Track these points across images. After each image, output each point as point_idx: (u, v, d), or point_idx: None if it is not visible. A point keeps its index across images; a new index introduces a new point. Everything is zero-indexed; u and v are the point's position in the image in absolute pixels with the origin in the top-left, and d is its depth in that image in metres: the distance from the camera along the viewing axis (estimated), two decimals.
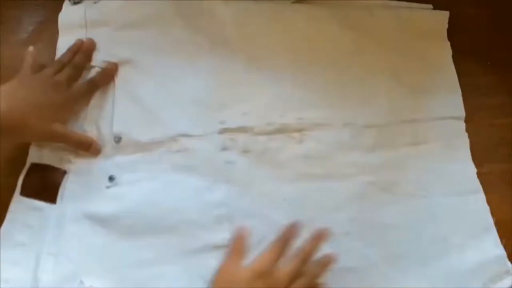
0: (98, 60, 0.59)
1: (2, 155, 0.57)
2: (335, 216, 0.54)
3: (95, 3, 0.63)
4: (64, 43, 0.60)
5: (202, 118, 0.57)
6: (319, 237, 0.50)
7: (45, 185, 0.55)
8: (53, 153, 0.56)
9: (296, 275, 0.48)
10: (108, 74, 0.59)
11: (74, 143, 0.55)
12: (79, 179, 0.55)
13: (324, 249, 0.51)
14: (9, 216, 0.54)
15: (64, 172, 0.56)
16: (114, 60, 0.59)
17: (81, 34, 0.61)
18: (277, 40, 0.61)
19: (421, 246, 0.54)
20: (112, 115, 0.57)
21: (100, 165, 0.56)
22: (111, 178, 0.55)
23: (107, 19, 0.62)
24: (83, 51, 0.59)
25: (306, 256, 0.49)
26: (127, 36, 0.61)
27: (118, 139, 0.56)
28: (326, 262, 0.49)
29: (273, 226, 0.52)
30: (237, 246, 0.50)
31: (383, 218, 0.54)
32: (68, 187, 0.55)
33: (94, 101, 0.58)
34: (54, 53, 0.61)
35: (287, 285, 0.47)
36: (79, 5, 0.62)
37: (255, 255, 0.48)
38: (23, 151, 0.56)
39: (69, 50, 0.59)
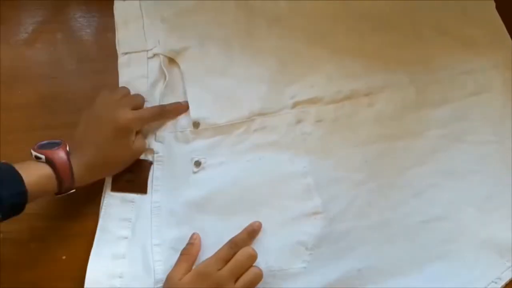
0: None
1: None
2: (416, 171, 0.56)
3: None
4: (123, 37, 0.62)
5: (273, 95, 0.59)
6: (253, 231, 0.53)
7: (134, 178, 0.56)
8: None
9: (239, 272, 0.50)
10: (179, 108, 0.58)
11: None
12: (166, 168, 0.57)
13: (414, 203, 0.54)
14: (103, 212, 0.55)
15: (150, 163, 0.57)
16: (175, 48, 0.61)
17: (138, 27, 0.62)
18: (329, 12, 0.63)
19: (504, 185, 0.56)
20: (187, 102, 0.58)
21: (182, 152, 0.57)
22: (197, 163, 0.56)
23: (162, 10, 0.63)
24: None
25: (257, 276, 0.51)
26: (184, 24, 0.62)
27: (196, 125, 0.58)
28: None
29: (358, 187, 0.55)
30: (186, 252, 0.52)
31: (462, 167, 0.57)
32: (156, 177, 0.56)
33: (165, 91, 0.60)
34: (54, 53, 0.63)
35: (231, 283, 0.49)
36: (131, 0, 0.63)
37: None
38: None
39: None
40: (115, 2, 0.63)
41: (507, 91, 0.60)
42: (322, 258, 0.52)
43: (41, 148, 0.50)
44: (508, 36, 0.63)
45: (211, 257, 0.51)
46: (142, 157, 0.57)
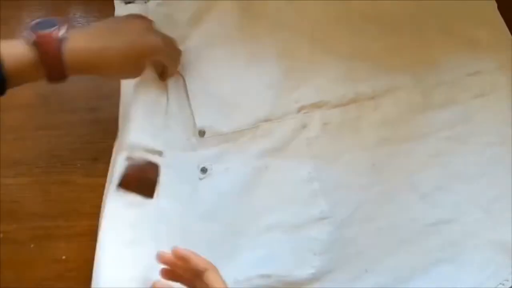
0: None
1: None
2: (423, 174, 0.57)
3: (145, 2, 0.63)
4: None
5: (278, 101, 0.59)
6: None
7: (142, 180, 0.54)
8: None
9: None
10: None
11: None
12: (172, 173, 0.56)
13: (421, 206, 0.54)
14: (108, 216, 0.53)
15: (158, 167, 0.55)
16: None
17: None
18: (333, 16, 0.63)
19: (510, 187, 0.56)
20: (191, 111, 0.58)
21: (188, 160, 0.57)
22: (203, 170, 0.56)
23: (163, 18, 0.61)
24: None
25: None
26: (186, 32, 0.61)
27: (202, 133, 0.57)
28: None
29: (364, 192, 0.55)
30: None
31: (468, 169, 0.57)
32: (162, 182, 0.55)
33: (170, 96, 0.59)
34: None
35: None
36: (132, 5, 0.63)
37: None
38: None
39: None
40: (116, 6, 0.63)
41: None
42: (330, 263, 0.53)
43: (35, 28, 0.45)
44: (511, 37, 0.63)
45: None
46: (151, 158, 0.55)
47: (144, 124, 0.56)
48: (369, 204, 0.55)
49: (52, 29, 0.45)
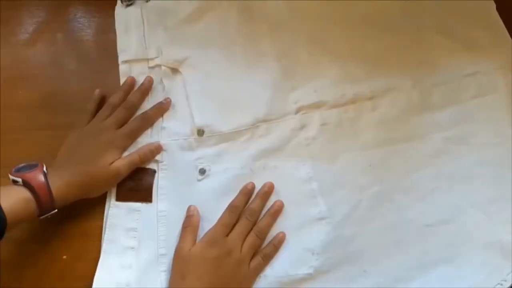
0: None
1: None
2: (421, 175, 0.57)
3: (147, 1, 0.63)
4: (123, 46, 0.61)
5: (277, 101, 0.59)
6: (275, 212, 0.54)
7: (138, 187, 0.56)
8: None
9: (247, 236, 0.52)
10: (162, 108, 0.58)
11: (142, 161, 0.56)
12: (170, 176, 0.56)
13: (419, 207, 0.55)
14: (109, 223, 0.54)
15: (154, 172, 0.57)
16: (177, 58, 0.60)
17: (139, 35, 0.62)
18: (331, 16, 0.63)
19: (508, 187, 0.56)
20: (190, 111, 0.58)
21: (187, 160, 0.57)
22: (201, 171, 0.56)
23: (163, 18, 0.62)
24: (141, 92, 0.58)
25: (261, 231, 0.53)
26: (186, 32, 0.62)
27: (201, 132, 0.58)
28: (274, 212, 0.54)
29: (363, 192, 0.55)
30: (188, 225, 0.53)
31: (467, 169, 0.57)
32: (161, 185, 0.56)
33: (169, 96, 0.59)
34: (55, 53, 0.63)
35: (240, 247, 0.51)
36: (133, 7, 0.63)
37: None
38: None
39: (121, 89, 0.58)
40: (116, 8, 0.63)
41: (510, 93, 0.60)
42: (328, 264, 0.53)
43: (17, 171, 0.49)
44: (509, 37, 0.63)
45: (215, 225, 0.52)
46: (145, 165, 0.57)
47: None
48: (368, 205, 0.55)
49: (35, 169, 0.49)
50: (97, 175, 0.53)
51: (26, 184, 0.48)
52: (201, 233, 0.53)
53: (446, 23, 0.63)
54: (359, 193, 0.56)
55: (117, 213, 0.55)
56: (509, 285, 0.52)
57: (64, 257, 0.54)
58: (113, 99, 0.58)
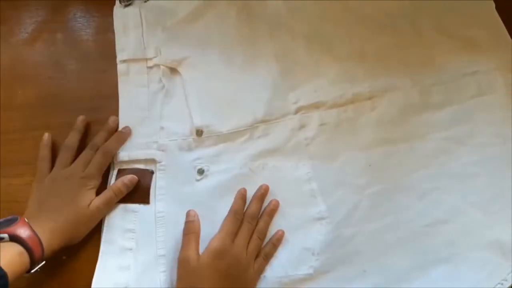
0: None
1: None
2: (420, 174, 0.56)
3: (145, 1, 0.63)
4: (121, 46, 0.61)
5: (276, 101, 0.59)
6: (271, 211, 0.54)
7: (135, 188, 0.55)
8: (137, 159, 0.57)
9: (250, 239, 0.52)
10: (121, 138, 0.57)
11: (118, 196, 0.55)
12: (168, 176, 0.56)
13: (418, 206, 0.55)
14: (106, 223, 0.54)
15: (151, 172, 0.56)
16: (176, 58, 0.60)
17: (137, 35, 0.62)
18: (330, 16, 0.63)
19: (507, 187, 0.56)
20: (189, 111, 0.58)
21: (185, 160, 0.57)
22: (200, 171, 0.56)
23: (162, 18, 0.62)
24: (107, 132, 0.57)
25: (261, 232, 0.53)
26: (185, 32, 0.62)
27: (200, 133, 0.57)
28: (271, 211, 0.54)
29: (362, 192, 0.55)
30: (190, 231, 0.52)
31: (466, 169, 0.57)
32: (160, 186, 0.56)
33: (167, 100, 0.59)
34: (54, 53, 0.63)
35: (245, 252, 0.51)
36: (131, 7, 0.63)
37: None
38: None
39: (75, 131, 0.57)
40: (114, 8, 0.63)
41: (510, 92, 0.60)
42: (328, 263, 0.53)
43: (1, 227, 0.48)
44: (509, 37, 0.63)
45: (220, 232, 0.52)
46: (143, 166, 0.57)
47: (131, 137, 0.58)
48: (367, 204, 0.55)
49: (16, 222, 0.49)
50: (79, 219, 0.52)
51: (16, 239, 0.47)
52: (201, 233, 0.53)
53: (445, 23, 0.63)
54: (359, 193, 0.55)
55: (114, 214, 0.55)
56: (509, 284, 0.52)
57: (64, 257, 0.54)
58: (69, 142, 0.56)
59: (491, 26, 0.64)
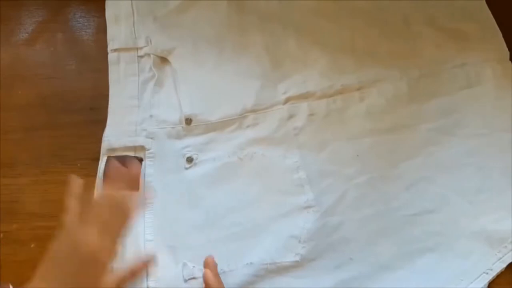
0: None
1: None
2: (408, 164, 0.57)
3: None
4: (112, 35, 0.62)
5: (266, 91, 0.60)
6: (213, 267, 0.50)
7: (124, 175, 0.55)
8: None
9: None
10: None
11: (133, 276, 0.46)
12: (157, 163, 0.57)
13: (406, 196, 0.55)
14: None
15: (140, 160, 0.57)
16: (167, 47, 0.61)
17: (128, 24, 0.62)
18: (320, 8, 0.64)
19: (494, 177, 0.56)
20: (178, 100, 0.59)
21: (174, 148, 0.57)
22: (189, 159, 0.57)
23: (153, 8, 0.63)
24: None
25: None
26: (176, 23, 0.62)
27: (189, 121, 0.58)
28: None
29: (350, 181, 0.56)
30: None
31: (453, 160, 0.57)
32: (148, 173, 0.56)
33: (157, 88, 0.60)
34: (54, 53, 0.63)
35: None
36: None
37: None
38: None
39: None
40: (106, 6, 0.63)
41: (498, 84, 0.60)
42: (315, 251, 0.53)
43: None
44: (498, 30, 0.63)
45: None
46: (132, 154, 0.57)
47: (120, 125, 0.58)
48: (354, 194, 0.55)
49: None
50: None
51: None
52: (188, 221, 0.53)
53: (434, 15, 0.64)
54: (346, 182, 0.56)
55: None
56: (495, 274, 0.52)
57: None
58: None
59: (480, 18, 0.64)
